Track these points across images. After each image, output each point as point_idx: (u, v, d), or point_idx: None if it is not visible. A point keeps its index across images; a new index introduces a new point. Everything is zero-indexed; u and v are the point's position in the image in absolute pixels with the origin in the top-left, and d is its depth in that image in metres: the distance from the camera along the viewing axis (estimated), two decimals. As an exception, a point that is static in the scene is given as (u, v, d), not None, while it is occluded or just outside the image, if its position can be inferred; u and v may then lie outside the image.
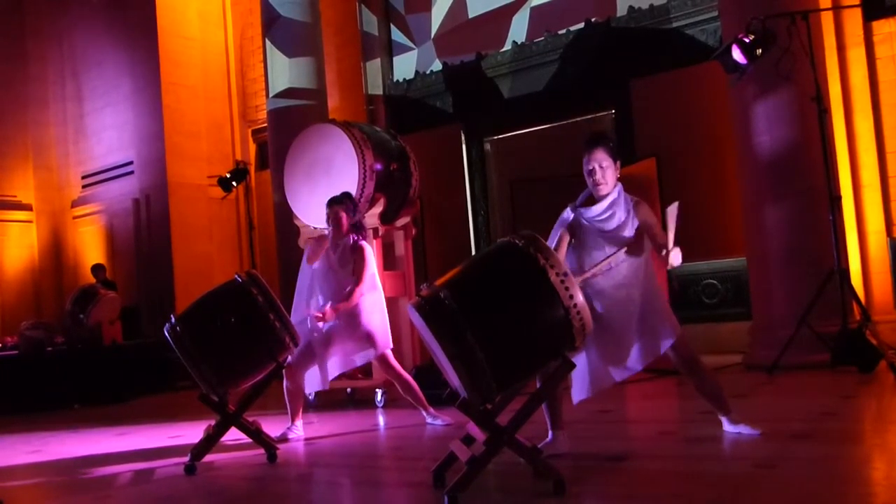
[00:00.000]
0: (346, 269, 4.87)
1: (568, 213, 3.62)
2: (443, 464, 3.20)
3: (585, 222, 3.56)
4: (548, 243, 3.37)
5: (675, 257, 3.42)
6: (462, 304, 2.83)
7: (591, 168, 3.54)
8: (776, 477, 2.96)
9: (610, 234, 3.52)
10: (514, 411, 3.01)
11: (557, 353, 2.97)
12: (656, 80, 8.19)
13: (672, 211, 3.43)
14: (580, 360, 3.48)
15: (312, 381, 4.92)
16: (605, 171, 3.53)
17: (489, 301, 2.90)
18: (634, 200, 3.59)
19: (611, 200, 3.54)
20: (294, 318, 4.71)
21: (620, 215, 3.53)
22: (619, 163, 3.61)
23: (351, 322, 4.81)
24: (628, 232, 3.51)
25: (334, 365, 4.87)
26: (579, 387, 3.58)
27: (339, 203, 4.94)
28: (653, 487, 3.01)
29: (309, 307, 4.95)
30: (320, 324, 4.78)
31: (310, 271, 5.04)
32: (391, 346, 4.96)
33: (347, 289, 4.82)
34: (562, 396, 3.67)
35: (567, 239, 3.58)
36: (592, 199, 3.61)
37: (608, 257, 3.44)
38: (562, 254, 3.52)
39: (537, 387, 3.18)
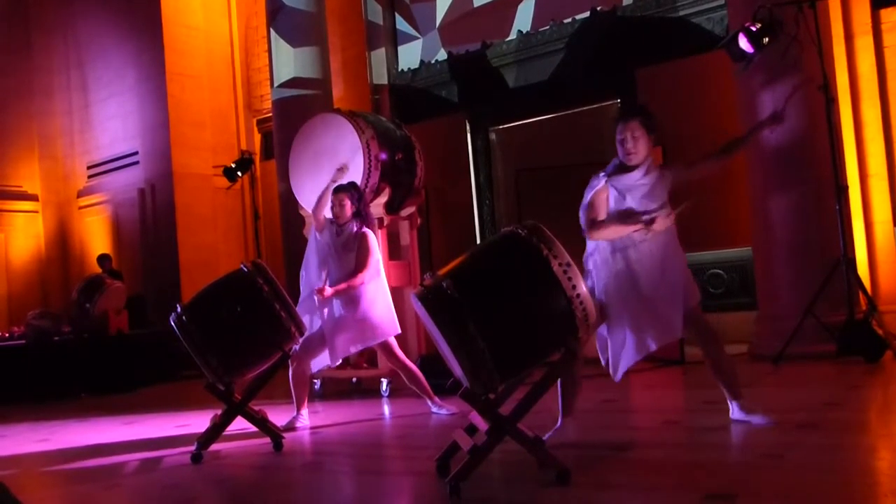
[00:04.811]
0: (349, 255, 4.90)
1: (599, 180, 3.62)
2: (446, 453, 3.21)
3: (620, 188, 3.58)
4: (584, 209, 3.49)
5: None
6: (464, 293, 2.83)
7: (622, 137, 3.59)
8: (781, 467, 2.96)
9: (642, 203, 3.56)
10: (518, 401, 3.01)
11: (560, 343, 2.97)
12: (662, 70, 8.14)
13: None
14: (616, 333, 3.53)
15: (318, 361, 4.98)
16: (636, 140, 3.58)
17: (492, 291, 2.90)
18: (660, 168, 3.70)
19: (644, 169, 3.60)
20: (301, 310, 4.73)
21: (651, 182, 3.59)
22: (654, 137, 3.64)
23: (353, 310, 4.84)
24: (658, 198, 3.58)
25: (338, 348, 4.91)
26: (624, 361, 3.58)
27: (344, 190, 4.98)
28: (657, 477, 3.01)
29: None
30: (325, 309, 4.83)
31: (315, 264, 5.06)
32: (398, 331, 4.99)
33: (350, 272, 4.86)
34: (579, 384, 3.67)
35: (606, 201, 3.59)
36: (623, 169, 3.62)
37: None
38: (603, 213, 3.55)
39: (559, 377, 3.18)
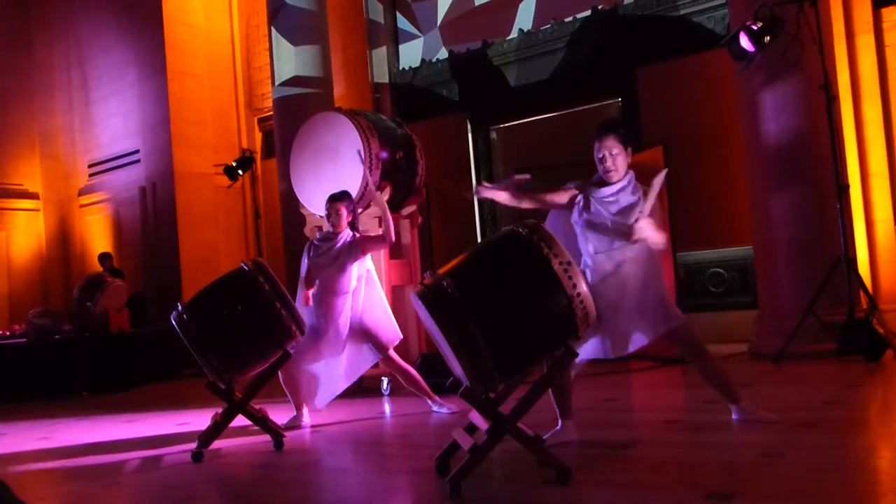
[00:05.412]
0: (339, 263, 4.86)
1: (572, 185, 3.66)
2: (446, 452, 3.21)
3: (593, 201, 3.59)
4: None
5: (641, 229, 3.41)
6: (464, 292, 2.83)
7: (601, 155, 3.58)
8: (781, 465, 2.96)
9: (613, 218, 3.55)
10: (518, 399, 3.01)
11: (560, 342, 2.97)
12: (663, 68, 8.14)
13: (657, 181, 3.47)
14: None
15: (323, 392, 4.95)
16: (615, 158, 3.57)
17: (492, 290, 2.90)
18: (644, 189, 3.59)
19: (619, 187, 3.58)
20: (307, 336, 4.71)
21: (625, 201, 3.56)
22: (630, 150, 3.64)
23: (356, 325, 4.85)
24: (630, 219, 3.52)
25: (350, 372, 4.92)
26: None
27: (339, 199, 4.98)
28: (657, 475, 3.01)
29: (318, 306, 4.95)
30: (341, 322, 4.82)
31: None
32: (400, 336, 4.98)
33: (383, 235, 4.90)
34: (571, 385, 3.68)
35: (560, 196, 3.63)
36: (602, 184, 3.64)
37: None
38: (551, 198, 3.60)
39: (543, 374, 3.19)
